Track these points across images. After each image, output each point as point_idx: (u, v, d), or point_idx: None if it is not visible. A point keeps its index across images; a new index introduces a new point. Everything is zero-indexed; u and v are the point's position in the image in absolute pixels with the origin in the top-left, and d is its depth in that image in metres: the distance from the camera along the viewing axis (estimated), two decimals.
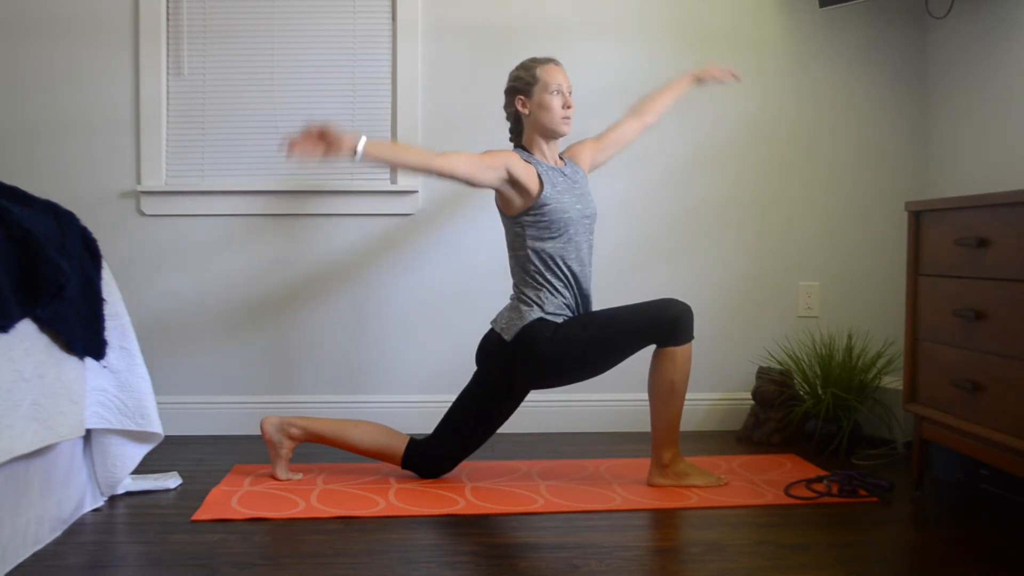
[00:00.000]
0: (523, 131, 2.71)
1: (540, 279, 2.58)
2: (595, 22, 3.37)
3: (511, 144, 2.76)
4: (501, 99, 3.28)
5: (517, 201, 2.58)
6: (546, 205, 2.56)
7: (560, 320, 2.55)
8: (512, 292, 2.66)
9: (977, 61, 3.11)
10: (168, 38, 3.29)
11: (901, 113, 3.46)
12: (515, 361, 2.55)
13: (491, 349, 2.61)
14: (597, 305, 2.87)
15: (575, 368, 2.57)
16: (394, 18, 3.33)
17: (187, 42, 3.30)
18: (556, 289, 2.59)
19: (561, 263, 2.59)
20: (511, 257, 2.65)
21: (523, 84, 2.65)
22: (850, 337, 3.30)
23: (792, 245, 3.46)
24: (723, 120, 3.41)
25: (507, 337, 2.53)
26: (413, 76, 3.32)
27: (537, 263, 2.58)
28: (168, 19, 3.29)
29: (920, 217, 2.58)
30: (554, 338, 2.52)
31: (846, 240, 3.47)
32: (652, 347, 2.60)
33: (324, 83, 3.33)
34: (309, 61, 3.32)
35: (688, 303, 2.59)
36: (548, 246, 2.58)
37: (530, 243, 2.58)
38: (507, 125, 2.74)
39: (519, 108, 2.66)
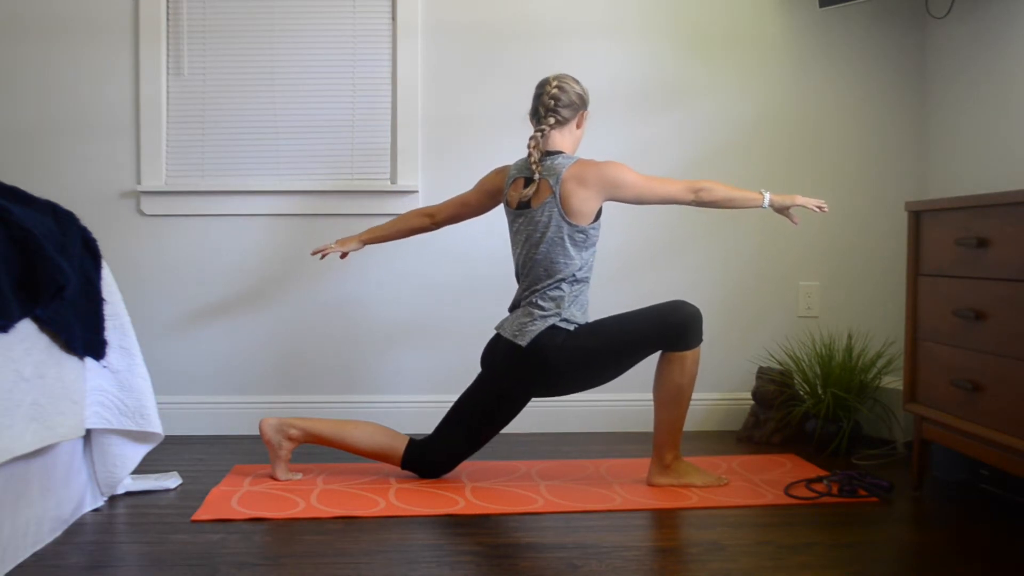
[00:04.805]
0: (563, 140, 2.64)
1: (584, 282, 2.59)
2: (595, 22, 3.37)
3: (554, 121, 2.60)
4: (500, 99, 3.27)
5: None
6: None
7: (572, 327, 2.55)
8: (521, 299, 2.62)
9: (977, 61, 3.11)
10: (168, 38, 3.29)
11: (901, 113, 3.46)
12: (526, 368, 2.54)
13: (500, 355, 2.59)
14: (599, 306, 2.87)
15: (584, 375, 2.57)
16: (394, 18, 3.32)
17: (187, 42, 3.30)
18: (585, 292, 2.61)
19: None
20: (554, 263, 2.54)
21: (585, 104, 2.66)
22: (850, 337, 3.30)
23: (792, 245, 3.45)
24: (723, 120, 3.41)
25: (522, 343, 2.51)
26: (413, 76, 3.32)
27: (591, 266, 2.60)
28: (168, 19, 3.29)
29: (920, 217, 2.58)
30: (564, 345, 2.51)
31: (846, 240, 3.46)
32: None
33: (324, 83, 3.33)
34: (309, 61, 3.32)
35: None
36: (596, 248, 2.64)
37: (595, 246, 2.61)
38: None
39: (581, 119, 2.66)
